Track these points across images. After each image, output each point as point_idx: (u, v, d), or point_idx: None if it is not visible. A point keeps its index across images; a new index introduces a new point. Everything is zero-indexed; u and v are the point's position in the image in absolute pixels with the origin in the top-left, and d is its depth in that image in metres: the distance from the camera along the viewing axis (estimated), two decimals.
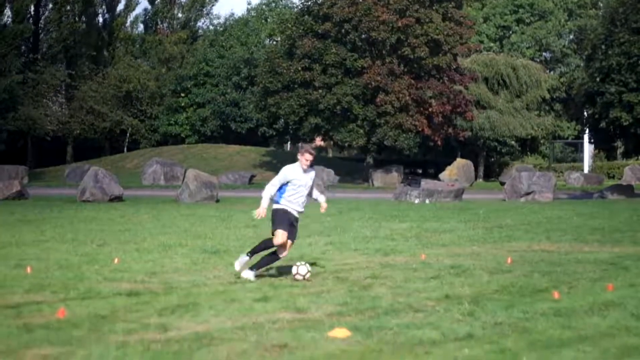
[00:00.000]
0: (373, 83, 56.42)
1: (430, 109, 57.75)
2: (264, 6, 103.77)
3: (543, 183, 38.42)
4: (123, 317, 9.65)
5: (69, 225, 23.21)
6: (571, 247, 17.07)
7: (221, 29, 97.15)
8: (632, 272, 13.25)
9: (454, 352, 7.92)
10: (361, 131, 58.49)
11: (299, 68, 57.91)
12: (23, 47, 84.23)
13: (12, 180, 39.75)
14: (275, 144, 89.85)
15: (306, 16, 60.47)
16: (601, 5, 77.42)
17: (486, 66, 69.45)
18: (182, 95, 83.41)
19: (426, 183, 40.36)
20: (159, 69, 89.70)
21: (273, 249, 12.89)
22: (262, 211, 12.89)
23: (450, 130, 60.19)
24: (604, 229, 21.13)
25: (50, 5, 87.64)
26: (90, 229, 21.90)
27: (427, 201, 36.93)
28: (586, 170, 72.17)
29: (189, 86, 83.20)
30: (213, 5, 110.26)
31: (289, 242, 12.90)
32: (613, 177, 68.13)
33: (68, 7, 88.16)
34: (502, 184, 50.67)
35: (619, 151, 71.05)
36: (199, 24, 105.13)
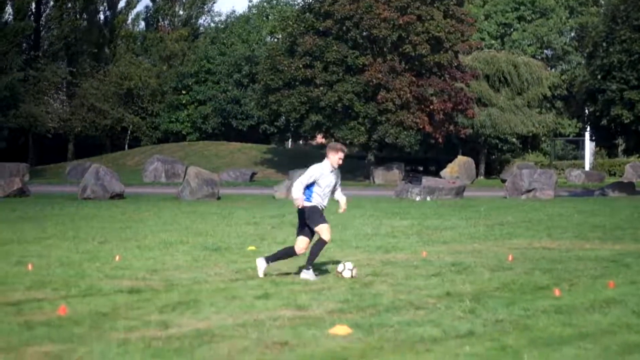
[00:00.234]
0: (374, 80, 56.42)
1: (431, 107, 57.75)
2: (265, 3, 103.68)
3: (544, 180, 38.40)
4: (124, 315, 9.66)
5: (70, 222, 23.22)
6: (572, 245, 17.08)
7: (222, 26, 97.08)
8: (633, 269, 13.26)
9: (455, 349, 7.92)
10: (362, 129, 58.50)
11: (300, 65, 57.90)
12: (24, 45, 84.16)
13: (13, 178, 39.77)
14: (276, 141, 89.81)
15: (307, 13, 60.46)
16: (602, 2, 77.26)
17: (487, 63, 69.37)
18: (183, 92, 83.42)
19: (427, 180, 40.34)
20: (160, 67, 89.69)
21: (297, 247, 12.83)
22: (301, 201, 12.70)
23: (451, 127, 60.17)
24: (605, 227, 21.13)
25: (52, 3, 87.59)
26: (92, 226, 21.92)
27: (428, 198, 36.92)
28: (587, 167, 72.14)
29: (190, 83, 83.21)
30: (214, 3, 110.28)
31: (308, 240, 12.82)
32: (614, 174, 68.08)
33: (69, 5, 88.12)
34: (503, 181, 50.66)
35: (620, 148, 70.88)
36: (200, 21, 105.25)
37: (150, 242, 17.77)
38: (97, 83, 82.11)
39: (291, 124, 65.42)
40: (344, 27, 57.60)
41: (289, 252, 12.92)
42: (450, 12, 59.07)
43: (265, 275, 12.66)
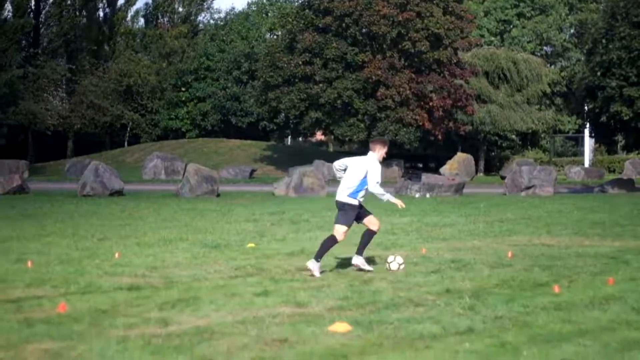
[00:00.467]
0: (374, 77, 56.42)
1: (430, 103, 57.75)
2: (264, 0, 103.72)
3: (544, 177, 38.41)
4: (124, 312, 9.66)
5: (69, 219, 23.22)
6: (572, 241, 17.08)
7: (222, 23, 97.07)
8: (633, 266, 13.26)
9: (454, 346, 7.92)
10: (362, 125, 58.51)
11: (300, 62, 57.91)
12: (24, 42, 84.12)
13: (12, 175, 39.75)
14: (275, 138, 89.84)
15: (307, 10, 60.46)
16: None
17: (487, 60, 69.40)
18: (183, 89, 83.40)
19: (427, 177, 40.38)
20: (159, 64, 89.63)
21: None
22: (399, 201, 13.22)
23: (450, 124, 60.22)
24: (604, 223, 21.14)
25: (51, 0, 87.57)
26: (91, 223, 21.91)
27: (427, 195, 36.94)
28: (587, 164, 72.18)
29: (189, 80, 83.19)
30: (213, 0, 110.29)
31: (347, 229, 12.93)
32: (614, 171, 68.17)
33: (69, 2, 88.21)
34: (503, 178, 50.65)
35: (620, 145, 70.99)
36: (200, 18, 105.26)
37: (149, 239, 17.77)
38: (97, 80, 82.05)
39: (290, 121, 65.46)
40: (344, 24, 57.58)
41: (333, 241, 12.89)
42: (450, 9, 59.07)
43: (321, 273, 12.64)
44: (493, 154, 74.50)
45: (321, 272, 12.61)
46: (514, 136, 70.13)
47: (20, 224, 21.69)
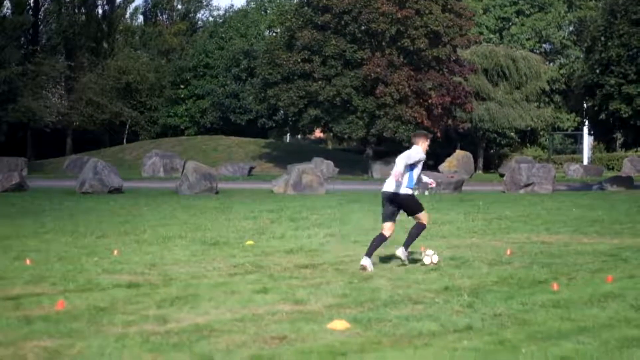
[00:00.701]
0: (372, 75, 56.39)
1: (429, 101, 57.71)
2: None
3: (542, 175, 38.41)
4: (122, 309, 9.66)
5: (68, 217, 23.22)
6: (570, 239, 17.09)
7: (221, 20, 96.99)
8: (632, 263, 13.27)
9: (453, 343, 7.93)
10: (360, 123, 58.47)
11: (299, 59, 57.89)
12: (22, 39, 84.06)
13: (11, 172, 39.68)
14: (274, 135, 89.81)
15: (306, 7, 60.38)
16: None
17: (486, 58, 69.42)
18: (182, 87, 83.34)
19: (425, 174, 40.36)
20: (158, 61, 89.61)
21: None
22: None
23: (449, 121, 60.24)
24: (603, 221, 21.14)
25: None
26: (90, 220, 21.90)
27: (426, 193, 36.89)
28: (585, 161, 72.15)
29: (188, 78, 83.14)
30: None
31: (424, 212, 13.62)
32: (612, 168, 68.11)
33: None
34: (502, 175, 50.67)
35: (618, 143, 71.00)
36: (199, 15, 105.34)
37: (148, 236, 17.78)
38: (96, 77, 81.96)
39: (289, 118, 65.41)
40: (343, 21, 57.56)
41: (381, 239, 13.30)
42: (449, 7, 59.04)
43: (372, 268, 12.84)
44: (492, 151, 74.49)
45: (408, 256, 13.38)
46: (512, 134, 70.17)
47: (19, 221, 21.69)
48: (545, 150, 79.26)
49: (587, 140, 74.12)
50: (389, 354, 7.62)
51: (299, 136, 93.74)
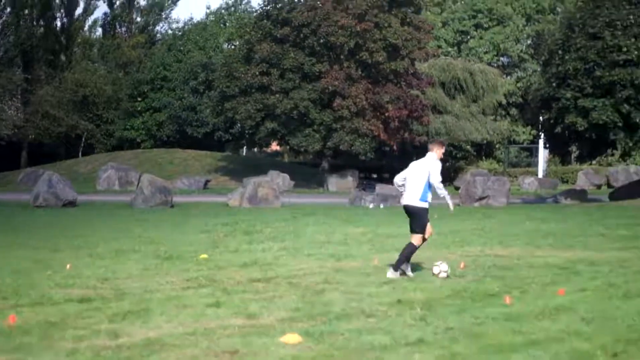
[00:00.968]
0: (330, 88, 56.48)
1: (386, 114, 57.87)
2: (223, 10, 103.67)
3: (497, 188, 38.68)
4: (73, 324, 9.59)
5: (21, 230, 23.03)
6: (523, 252, 17.18)
7: (180, 33, 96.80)
8: (584, 276, 13.36)
9: (405, 357, 7.95)
10: (317, 136, 58.49)
11: (257, 72, 57.85)
12: None
13: None
14: (231, 148, 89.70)
15: (265, 20, 60.36)
16: (559, 10, 78.08)
17: (443, 71, 69.80)
18: (139, 99, 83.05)
19: (381, 188, 40.51)
20: (116, 74, 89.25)
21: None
22: (452, 205, 13.89)
23: (406, 135, 60.39)
24: (556, 234, 21.28)
25: (9, 9, 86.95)
26: (43, 234, 21.73)
27: (381, 206, 37.03)
28: (540, 174, 72.66)
29: (145, 90, 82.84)
30: (172, 10, 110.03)
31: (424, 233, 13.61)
32: (567, 181, 68.61)
33: (26, 11, 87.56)
34: (457, 188, 50.87)
35: (573, 156, 71.59)
36: (158, 28, 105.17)
37: (102, 250, 17.66)
38: (52, 90, 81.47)
39: (246, 132, 65.30)
40: (302, 34, 57.62)
41: (411, 250, 13.50)
42: (408, 20, 59.39)
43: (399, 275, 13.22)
44: (448, 164, 74.66)
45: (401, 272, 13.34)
46: (468, 147, 70.53)
47: None
48: (501, 164, 79.80)
49: (543, 154, 74.63)
50: None
51: (256, 149, 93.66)
